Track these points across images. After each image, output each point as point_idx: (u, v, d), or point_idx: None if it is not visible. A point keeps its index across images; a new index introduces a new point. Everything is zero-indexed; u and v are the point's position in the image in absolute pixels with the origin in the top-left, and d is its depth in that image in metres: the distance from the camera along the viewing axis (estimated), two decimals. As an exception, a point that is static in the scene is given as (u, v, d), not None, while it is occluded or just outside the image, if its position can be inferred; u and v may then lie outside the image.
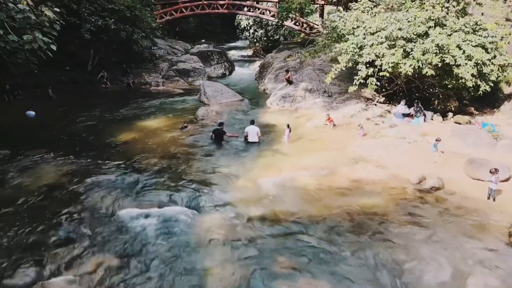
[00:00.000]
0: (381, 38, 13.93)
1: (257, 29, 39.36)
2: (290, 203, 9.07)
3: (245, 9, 30.94)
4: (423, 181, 9.97)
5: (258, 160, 11.87)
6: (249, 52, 41.19)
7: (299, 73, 20.88)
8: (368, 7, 16.50)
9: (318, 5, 29.46)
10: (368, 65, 14.14)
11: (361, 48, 14.54)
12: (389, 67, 13.27)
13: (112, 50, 24.88)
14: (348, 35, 15.43)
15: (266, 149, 12.92)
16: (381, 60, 13.72)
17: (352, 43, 14.55)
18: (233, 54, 39.93)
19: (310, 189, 9.83)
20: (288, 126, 13.56)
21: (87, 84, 24.59)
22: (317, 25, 29.90)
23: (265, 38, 39.16)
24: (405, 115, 15.35)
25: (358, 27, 15.32)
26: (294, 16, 27.16)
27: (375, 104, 16.68)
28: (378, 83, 13.56)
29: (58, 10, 15.18)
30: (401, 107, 15.43)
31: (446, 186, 9.76)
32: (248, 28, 40.67)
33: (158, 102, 20.55)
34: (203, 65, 27.60)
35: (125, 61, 25.95)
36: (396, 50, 13.32)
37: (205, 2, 30.03)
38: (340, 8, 21.46)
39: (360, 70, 14.04)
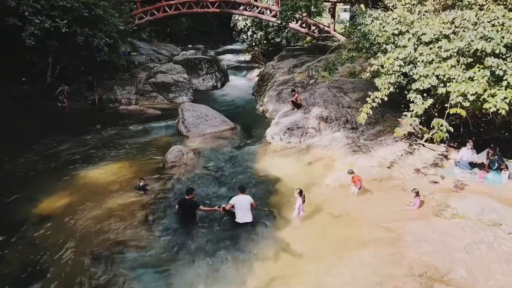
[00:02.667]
0: (446, 51, 8.80)
1: (256, 31, 34.18)
2: None
3: (241, 7, 25.79)
4: None
5: (249, 272, 6.74)
6: (247, 57, 35.94)
7: (309, 92, 15.78)
8: (409, 3, 11.45)
9: (330, 3, 24.26)
10: (425, 94, 9.01)
11: (411, 65, 9.45)
12: (466, 100, 8.11)
13: (78, 57, 19.77)
14: (386, 44, 10.31)
15: (265, 238, 7.78)
16: (446, 87, 8.60)
17: (396, 58, 9.44)
18: (229, 59, 34.86)
19: None
20: (300, 193, 8.44)
21: (45, 100, 19.54)
22: (328, 27, 24.77)
23: (265, 41, 33.92)
24: (472, 165, 10.23)
25: (401, 32, 10.20)
26: (300, 16, 21.95)
27: (423, 144, 11.54)
28: (451, 129, 8.34)
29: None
30: (467, 153, 10.27)
31: None
32: (246, 30, 35.55)
33: (122, 131, 15.41)
34: (188, 77, 22.42)
35: (94, 71, 20.79)
36: (476, 72, 8.17)
37: (193, -1, 24.94)
38: (362, 6, 16.25)
39: (414, 102, 8.91)
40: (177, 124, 15.44)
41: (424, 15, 10.61)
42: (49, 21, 16.25)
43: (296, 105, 14.70)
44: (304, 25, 24.44)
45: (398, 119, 13.25)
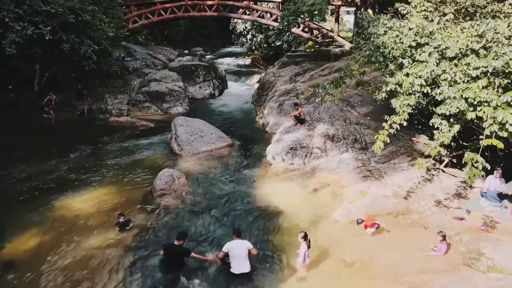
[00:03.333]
0: (476, 69, 7.57)
1: (256, 34, 32.95)
2: None
3: (240, 11, 24.58)
4: None
5: None
6: (247, 60, 34.72)
7: (312, 105, 14.54)
8: (425, 10, 10.16)
9: (334, 6, 22.96)
10: (452, 119, 7.79)
11: (432, 84, 8.23)
12: (503, 129, 6.88)
13: (69, 63, 18.50)
14: (403, 58, 9.08)
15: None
16: (476, 111, 7.38)
17: (417, 77, 8.20)
18: (228, 63, 33.71)
19: None
20: (305, 237, 7.19)
21: (32, 110, 18.36)
22: (331, 31, 23.50)
23: (265, 45, 32.70)
24: (501, 196, 8.98)
25: (420, 45, 8.96)
26: (302, 20, 20.64)
27: (442, 170, 10.29)
28: (488, 165, 7.12)
29: None
30: (495, 182, 9.02)
31: None
32: (245, 33, 34.33)
33: (110, 149, 14.12)
34: (184, 85, 21.16)
35: (85, 78, 19.53)
36: (513, 96, 6.94)
37: (189, 2, 23.69)
38: (370, 11, 14.99)
39: (439, 129, 7.69)
40: (170, 140, 14.20)
41: (444, 24, 9.37)
42: (32, 28, 15.01)
43: (299, 120, 13.46)
44: (306, 29, 23.18)
45: (413, 138, 12.05)
